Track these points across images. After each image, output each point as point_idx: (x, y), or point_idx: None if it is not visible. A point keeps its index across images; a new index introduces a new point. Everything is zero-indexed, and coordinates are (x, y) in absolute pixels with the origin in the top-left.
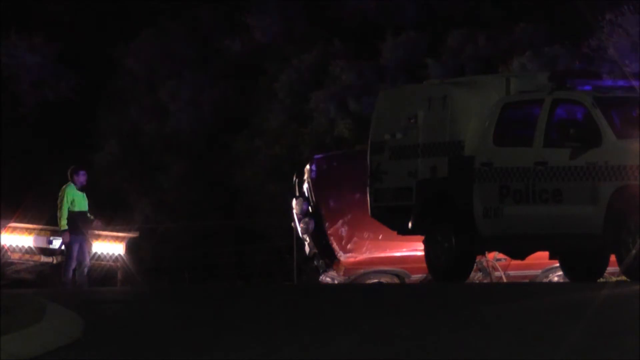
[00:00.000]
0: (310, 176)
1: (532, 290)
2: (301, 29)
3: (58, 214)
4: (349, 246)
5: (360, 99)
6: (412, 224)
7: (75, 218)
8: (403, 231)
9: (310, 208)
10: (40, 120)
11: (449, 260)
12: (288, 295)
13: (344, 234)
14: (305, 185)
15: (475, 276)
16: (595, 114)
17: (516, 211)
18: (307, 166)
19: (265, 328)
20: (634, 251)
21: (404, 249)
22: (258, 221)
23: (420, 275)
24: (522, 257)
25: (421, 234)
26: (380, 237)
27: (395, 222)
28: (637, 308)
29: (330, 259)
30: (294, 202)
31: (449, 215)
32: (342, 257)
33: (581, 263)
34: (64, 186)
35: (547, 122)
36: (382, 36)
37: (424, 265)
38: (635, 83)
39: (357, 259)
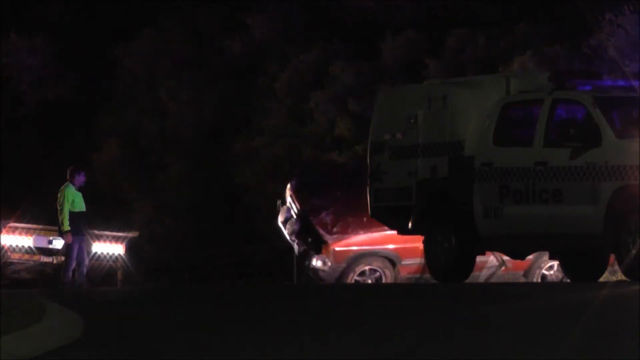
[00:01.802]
0: (291, 188)
1: (532, 290)
2: (301, 28)
3: (59, 216)
4: (334, 229)
5: (360, 99)
6: (412, 224)
7: (75, 218)
8: (403, 231)
9: (294, 214)
10: (40, 120)
11: (449, 260)
12: (288, 295)
13: (328, 221)
14: (288, 200)
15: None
16: (595, 114)
17: (516, 211)
18: (288, 184)
19: (265, 328)
20: (634, 251)
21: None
22: (258, 221)
23: (411, 260)
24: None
25: (421, 234)
26: (364, 220)
27: (395, 222)
28: (637, 308)
29: (318, 245)
30: (278, 219)
31: (449, 215)
32: (330, 239)
33: (581, 263)
34: (62, 187)
35: (547, 122)
36: (382, 36)
37: (412, 244)
38: (635, 83)
39: (344, 239)
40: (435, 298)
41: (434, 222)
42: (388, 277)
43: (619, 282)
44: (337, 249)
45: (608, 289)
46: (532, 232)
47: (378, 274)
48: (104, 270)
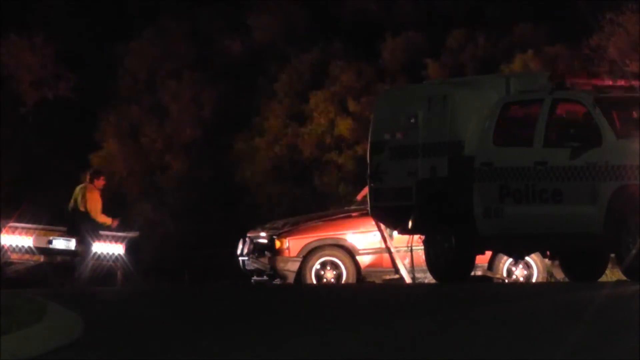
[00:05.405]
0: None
1: (532, 290)
2: (301, 29)
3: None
4: (274, 226)
5: (360, 99)
6: (412, 224)
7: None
8: (403, 231)
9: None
10: (40, 120)
11: (449, 260)
12: (288, 295)
13: (279, 225)
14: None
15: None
16: (595, 114)
17: (516, 211)
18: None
19: (266, 328)
20: (634, 251)
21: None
22: (258, 221)
23: (368, 254)
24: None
25: (421, 233)
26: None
27: (395, 222)
28: (637, 308)
29: (267, 248)
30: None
31: (449, 215)
32: (275, 235)
33: (581, 263)
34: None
35: (547, 122)
36: (382, 36)
37: (360, 229)
38: (635, 83)
39: (289, 229)
40: (435, 298)
41: (434, 222)
42: (349, 271)
43: (619, 282)
44: (290, 241)
45: (608, 289)
46: (532, 232)
47: (338, 271)
48: (104, 270)
